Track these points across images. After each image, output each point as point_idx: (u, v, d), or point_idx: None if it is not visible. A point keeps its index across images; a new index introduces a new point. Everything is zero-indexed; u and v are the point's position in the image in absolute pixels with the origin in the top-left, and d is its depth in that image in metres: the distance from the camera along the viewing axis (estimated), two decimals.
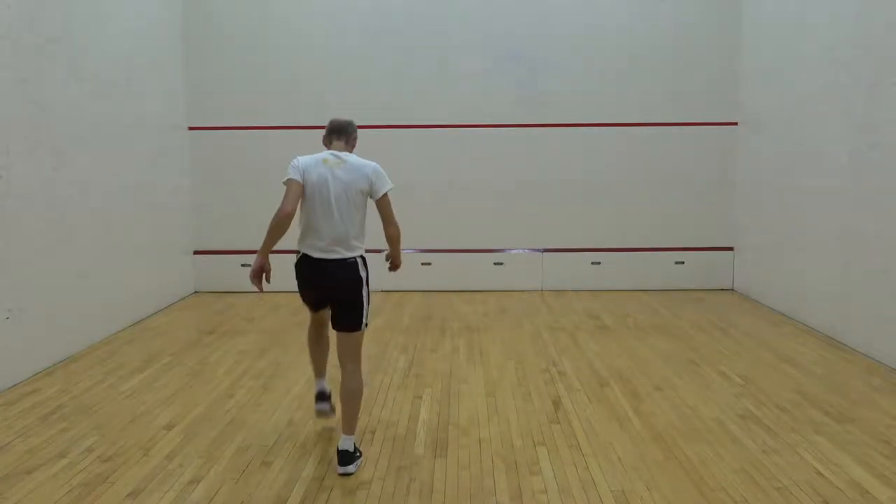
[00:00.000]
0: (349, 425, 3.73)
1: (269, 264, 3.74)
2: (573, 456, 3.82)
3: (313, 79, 8.10)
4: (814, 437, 4.04)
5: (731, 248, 8.21)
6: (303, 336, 6.23)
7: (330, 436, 4.11)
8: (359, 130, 4.00)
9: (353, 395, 3.77)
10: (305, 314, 7.11)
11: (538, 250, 8.31)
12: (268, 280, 3.73)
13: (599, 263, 8.26)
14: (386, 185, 3.79)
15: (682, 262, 8.24)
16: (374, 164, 3.82)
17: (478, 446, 3.96)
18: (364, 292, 3.79)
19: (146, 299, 7.08)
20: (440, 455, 3.85)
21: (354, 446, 3.72)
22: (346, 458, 3.67)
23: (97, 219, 6.14)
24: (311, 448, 3.95)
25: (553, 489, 3.46)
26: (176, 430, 4.22)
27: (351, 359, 3.80)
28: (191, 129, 8.14)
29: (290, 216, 3.67)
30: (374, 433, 4.15)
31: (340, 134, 3.89)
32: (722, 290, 8.20)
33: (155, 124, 7.33)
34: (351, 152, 3.87)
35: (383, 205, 3.80)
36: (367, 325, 3.82)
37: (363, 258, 3.83)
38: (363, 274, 3.80)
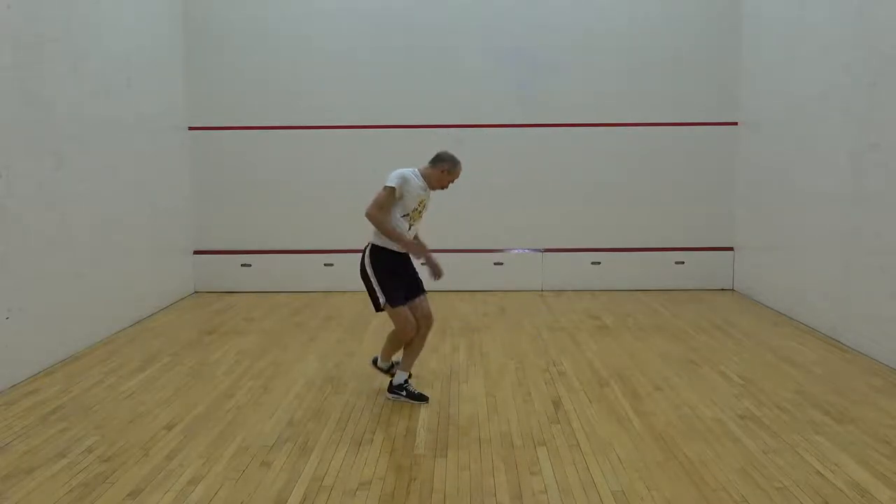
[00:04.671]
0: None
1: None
2: (573, 456, 3.82)
3: (313, 79, 8.09)
4: (814, 437, 4.04)
5: (731, 248, 8.21)
6: (303, 336, 6.30)
7: (329, 436, 4.11)
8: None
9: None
10: (305, 315, 7.16)
11: (538, 250, 8.31)
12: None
13: (599, 263, 8.26)
14: (385, 181, 4.46)
15: (682, 262, 8.24)
16: (398, 171, 4.50)
17: (478, 446, 3.96)
18: (369, 276, 4.52)
19: (146, 299, 7.08)
20: (440, 455, 3.85)
21: (401, 383, 4.72)
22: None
23: (97, 219, 6.13)
24: (311, 448, 3.95)
25: (553, 489, 3.46)
26: (176, 430, 4.22)
27: None
28: (191, 129, 8.13)
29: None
30: (374, 433, 4.15)
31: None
32: (722, 290, 8.20)
33: (155, 124, 7.33)
34: (423, 169, 4.67)
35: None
36: (380, 308, 4.55)
37: (373, 246, 4.53)
38: (366, 259, 4.53)
